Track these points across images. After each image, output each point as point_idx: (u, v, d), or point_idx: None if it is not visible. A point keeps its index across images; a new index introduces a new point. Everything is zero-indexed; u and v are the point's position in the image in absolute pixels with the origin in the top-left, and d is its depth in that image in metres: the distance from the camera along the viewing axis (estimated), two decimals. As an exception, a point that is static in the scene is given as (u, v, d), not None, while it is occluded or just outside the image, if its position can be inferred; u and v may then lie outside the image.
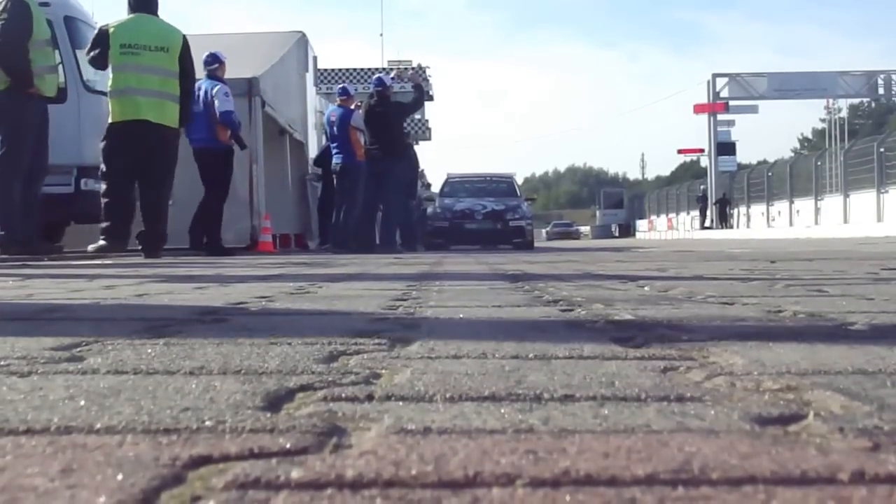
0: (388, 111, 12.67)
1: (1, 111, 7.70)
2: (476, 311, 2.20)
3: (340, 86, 13.83)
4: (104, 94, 8.52)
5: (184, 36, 8.40)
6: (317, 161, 14.64)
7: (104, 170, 8.26)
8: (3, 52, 7.68)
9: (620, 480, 0.66)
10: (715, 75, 41.52)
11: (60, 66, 8.33)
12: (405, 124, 15.30)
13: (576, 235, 61.09)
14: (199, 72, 9.59)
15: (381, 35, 58.00)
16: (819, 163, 33.47)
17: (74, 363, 1.30)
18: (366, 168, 12.49)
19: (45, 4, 8.15)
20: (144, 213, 8.29)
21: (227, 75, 10.37)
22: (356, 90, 14.87)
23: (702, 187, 44.95)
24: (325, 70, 24.13)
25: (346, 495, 0.63)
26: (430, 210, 17.82)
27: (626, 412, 0.91)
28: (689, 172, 74.20)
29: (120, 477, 0.68)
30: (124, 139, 8.15)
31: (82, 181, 8.98)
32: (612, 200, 64.49)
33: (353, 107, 12.92)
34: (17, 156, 7.67)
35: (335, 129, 12.67)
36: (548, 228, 63.88)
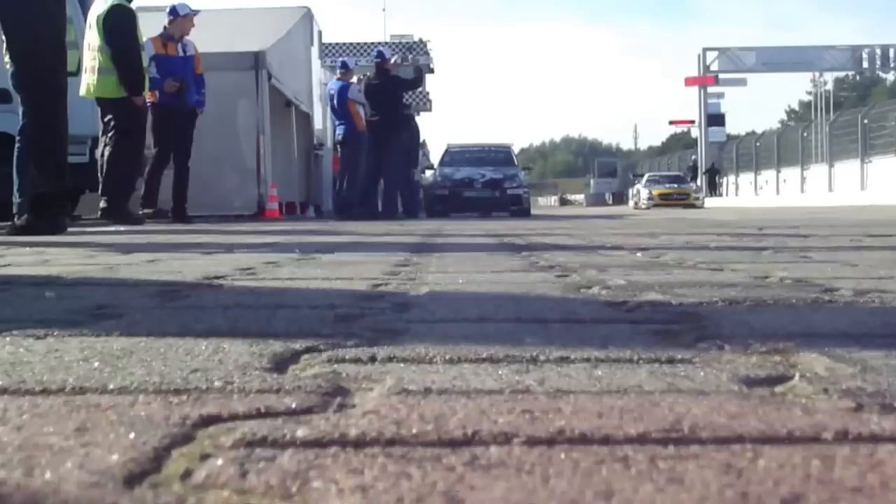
0: (386, 85, 12.88)
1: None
2: (475, 276, 2.22)
3: (340, 60, 13.94)
4: None
5: (110, 8, 8.30)
6: None
7: None
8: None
9: (613, 439, 0.68)
10: (705, 49, 41.45)
11: (77, 40, 8.34)
12: (406, 97, 15.45)
13: (695, 199, 30.27)
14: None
15: (384, 10, 59.04)
16: (805, 134, 33.52)
17: (89, 326, 1.32)
18: (368, 138, 12.65)
19: None
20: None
21: (234, 49, 10.49)
22: (357, 63, 14.96)
23: (692, 157, 44.77)
24: (330, 44, 23.96)
25: (349, 453, 0.65)
26: (429, 178, 17.86)
27: (619, 374, 0.93)
28: (681, 143, 73.80)
29: (132, 435, 0.69)
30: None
31: (97, 151, 9.01)
32: (606, 170, 64.19)
33: (353, 80, 13.12)
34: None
35: (335, 102, 12.87)
36: (640, 186, 33.29)
